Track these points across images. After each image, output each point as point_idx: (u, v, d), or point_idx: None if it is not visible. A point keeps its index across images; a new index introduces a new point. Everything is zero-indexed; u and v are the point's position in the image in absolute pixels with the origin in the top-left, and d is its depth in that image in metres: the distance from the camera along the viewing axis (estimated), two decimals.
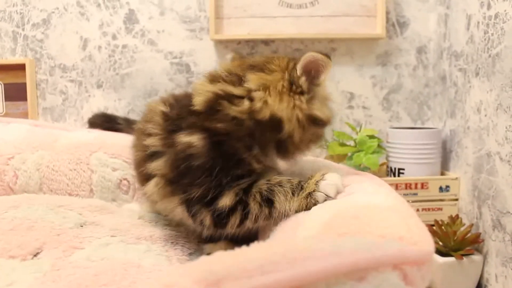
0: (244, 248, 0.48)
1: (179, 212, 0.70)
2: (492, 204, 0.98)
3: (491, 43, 0.98)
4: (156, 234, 0.83)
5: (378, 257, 0.42)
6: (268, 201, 0.61)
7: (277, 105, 0.64)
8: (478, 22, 1.03)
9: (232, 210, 0.62)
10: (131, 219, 0.94)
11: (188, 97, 0.69)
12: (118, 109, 1.30)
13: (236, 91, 0.66)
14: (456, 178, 1.12)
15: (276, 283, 0.37)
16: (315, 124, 0.67)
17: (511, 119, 0.91)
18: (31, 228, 0.79)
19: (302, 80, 0.65)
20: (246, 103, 0.65)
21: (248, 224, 0.62)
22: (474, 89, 1.06)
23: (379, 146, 1.14)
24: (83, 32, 1.30)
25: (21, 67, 1.30)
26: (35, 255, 0.72)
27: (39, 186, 1.10)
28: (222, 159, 0.63)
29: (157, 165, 0.69)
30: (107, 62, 1.30)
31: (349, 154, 1.15)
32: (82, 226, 0.82)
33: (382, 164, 1.18)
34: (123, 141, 1.13)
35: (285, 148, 0.68)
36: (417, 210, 1.12)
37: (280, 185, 0.62)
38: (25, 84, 1.30)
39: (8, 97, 1.32)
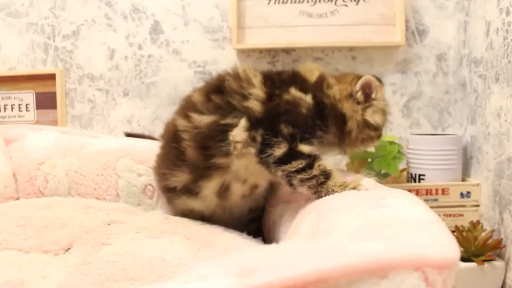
0: (274, 245, 0.50)
1: (251, 148, 0.81)
2: None
3: (511, 49, 0.99)
4: (179, 228, 0.86)
5: (401, 257, 0.44)
6: (325, 175, 0.76)
7: (344, 104, 0.86)
8: (497, 29, 1.04)
9: (302, 156, 0.77)
10: (156, 218, 0.97)
11: (283, 72, 0.92)
12: (144, 117, 1.35)
13: (330, 79, 0.90)
14: (477, 184, 1.13)
15: (300, 276, 0.39)
16: (368, 127, 0.88)
17: None
18: (62, 226, 0.83)
19: (359, 94, 0.87)
20: (335, 88, 0.87)
21: (302, 176, 0.76)
22: (494, 95, 1.07)
23: (399, 152, 1.15)
24: (110, 43, 1.35)
25: (51, 77, 1.35)
26: (66, 250, 0.76)
27: (67, 190, 1.15)
28: (317, 118, 0.83)
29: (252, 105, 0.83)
30: (133, 71, 1.34)
31: (370, 160, 1.16)
32: (109, 224, 0.85)
33: (402, 170, 1.19)
34: (148, 148, 1.17)
35: (344, 138, 0.88)
36: (438, 216, 1.12)
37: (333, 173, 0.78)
38: (55, 93, 1.36)
39: (39, 106, 1.38)
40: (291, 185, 0.78)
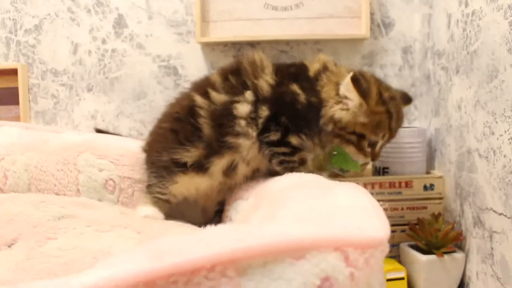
0: (198, 230, 0.50)
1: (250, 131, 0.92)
2: (473, 201, 0.98)
3: (469, 40, 0.98)
4: (132, 222, 0.85)
5: (319, 237, 0.44)
6: (301, 163, 0.93)
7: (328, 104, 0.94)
8: (458, 20, 1.04)
9: (290, 145, 0.92)
10: (112, 212, 0.96)
11: (292, 65, 1.00)
12: (108, 112, 1.33)
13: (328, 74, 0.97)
14: (441, 177, 1.12)
15: (208, 257, 0.39)
16: (334, 123, 0.94)
17: (488, 115, 0.91)
18: (10, 221, 0.82)
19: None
20: (325, 90, 0.94)
21: (284, 158, 0.92)
22: (455, 87, 1.06)
23: None
24: (74, 37, 1.33)
25: (13, 72, 1.33)
26: (9, 246, 0.74)
27: (27, 186, 1.13)
28: (307, 117, 0.91)
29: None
30: (97, 66, 1.32)
31: (334, 153, 1.15)
32: (59, 218, 0.84)
33: (365, 164, 1.18)
34: (110, 143, 1.15)
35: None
36: (402, 209, 1.12)
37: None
38: (17, 88, 1.33)
39: (1, 101, 1.35)
40: (271, 160, 0.93)
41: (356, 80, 0.88)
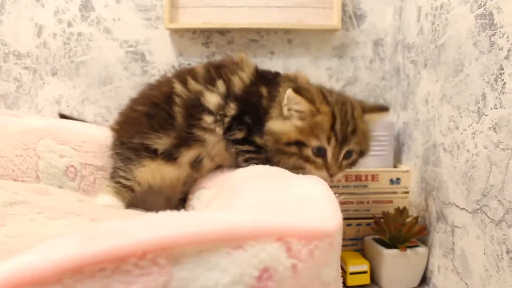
0: (142, 216, 0.47)
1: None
2: (437, 195, 0.98)
3: (437, 34, 0.98)
4: (87, 210, 0.82)
5: (258, 226, 0.42)
6: (265, 161, 0.89)
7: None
8: (427, 14, 1.03)
9: (254, 144, 0.90)
10: (68, 199, 0.93)
11: (272, 73, 0.99)
12: (73, 97, 1.29)
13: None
14: (407, 171, 1.12)
15: (138, 243, 0.36)
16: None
17: (453, 109, 0.90)
18: None
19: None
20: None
21: (249, 156, 0.91)
22: (423, 81, 1.06)
23: None
24: (38, 19, 1.28)
25: None
26: None
27: None
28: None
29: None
30: (62, 49, 1.28)
31: None
32: (11, 205, 0.80)
33: None
34: (71, 128, 1.11)
35: None
36: (367, 202, 1.12)
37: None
38: None
39: None
40: (237, 158, 0.92)
41: (298, 90, 0.83)
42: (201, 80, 0.94)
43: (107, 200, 0.95)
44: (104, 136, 1.08)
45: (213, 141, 0.92)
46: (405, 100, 1.17)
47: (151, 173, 0.95)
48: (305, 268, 0.43)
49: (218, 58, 1.25)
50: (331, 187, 0.66)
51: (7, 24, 1.29)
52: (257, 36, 1.27)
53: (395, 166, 1.18)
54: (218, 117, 0.91)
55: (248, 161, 0.91)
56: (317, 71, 1.27)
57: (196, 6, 1.23)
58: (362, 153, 0.90)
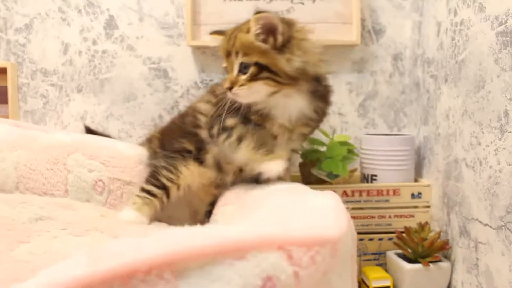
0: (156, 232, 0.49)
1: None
2: (459, 210, 0.98)
3: (458, 50, 0.98)
4: (110, 226, 0.84)
5: (258, 237, 0.43)
6: (239, 140, 0.89)
7: None
8: (447, 29, 1.04)
9: (227, 128, 0.92)
10: (91, 214, 0.95)
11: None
12: (97, 113, 1.32)
13: None
14: (428, 185, 1.12)
15: (147, 259, 0.38)
16: None
17: (475, 125, 0.91)
18: None
19: None
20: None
21: (227, 141, 0.91)
22: (443, 96, 1.06)
23: (351, 152, 1.14)
24: (64, 37, 1.32)
25: (3, 71, 1.32)
26: None
27: (16, 184, 1.12)
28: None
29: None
30: (87, 67, 1.32)
31: (321, 160, 1.15)
32: (37, 220, 0.83)
33: (353, 171, 1.18)
34: (100, 144, 1.14)
35: None
36: (389, 217, 1.12)
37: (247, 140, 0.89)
38: (6, 87, 1.32)
39: None
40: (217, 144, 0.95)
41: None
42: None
43: (131, 215, 0.97)
44: (131, 151, 1.11)
45: (213, 148, 0.98)
46: (426, 115, 1.17)
47: (191, 172, 0.99)
48: (307, 275, 0.44)
49: None
50: (349, 201, 0.67)
51: (35, 43, 1.33)
52: None
53: (416, 180, 1.18)
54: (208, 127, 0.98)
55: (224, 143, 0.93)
56: (337, 85, 1.28)
57: (216, 23, 1.26)
58: (264, 67, 0.85)
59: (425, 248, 1.01)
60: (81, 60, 1.32)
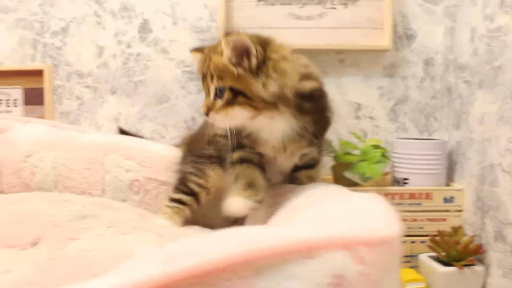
0: (211, 233, 0.51)
1: None
2: (494, 215, 0.99)
3: (494, 56, 0.99)
4: (153, 226, 0.86)
5: (327, 237, 0.45)
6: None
7: None
8: (482, 35, 1.05)
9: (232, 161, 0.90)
10: (132, 214, 0.97)
11: None
12: (131, 115, 1.35)
13: None
14: (461, 189, 1.13)
15: (226, 257, 0.40)
16: None
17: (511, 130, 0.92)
18: (30, 220, 0.83)
19: None
20: None
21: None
22: (478, 101, 1.07)
23: (383, 156, 1.15)
24: (99, 41, 1.35)
25: (39, 73, 1.35)
26: (33, 245, 0.75)
27: (54, 183, 1.15)
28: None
29: None
30: (122, 69, 1.34)
31: (354, 163, 1.16)
32: (81, 219, 0.85)
33: (386, 174, 1.19)
34: (136, 145, 1.17)
35: None
36: (421, 220, 1.13)
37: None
38: (42, 89, 1.35)
39: (27, 102, 1.38)
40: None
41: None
42: None
43: (164, 224, 0.97)
44: (166, 152, 1.14)
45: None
46: (458, 120, 1.18)
47: (219, 175, 0.97)
48: (371, 273, 0.46)
49: None
50: None
51: (71, 46, 1.36)
52: (309, 56, 1.30)
53: (447, 185, 1.19)
54: None
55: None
56: (368, 90, 1.29)
57: (250, 27, 1.28)
58: (239, 92, 0.80)
59: (459, 252, 1.02)
60: (115, 62, 1.35)
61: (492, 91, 1.00)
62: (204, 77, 0.84)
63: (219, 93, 0.80)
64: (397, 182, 1.19)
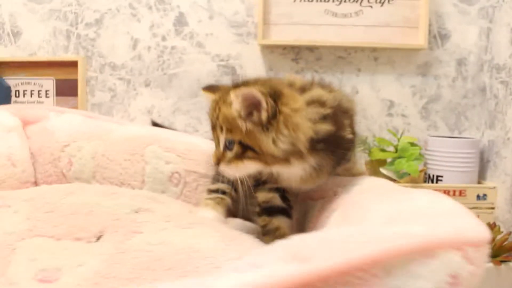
0: (319, 232, 0.52)
1: None
2: None
3: None
4: (205, 221, 0.87)
5: (445, 237, 0.46)
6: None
7: None
8: None
9: None
10: (181, 209, 0.98)
11: None
12: (164, 108, 1.36)
13: None
14: (494, 187, 1.16)
15: (359, 259, 0.41)
16: None
17: None
18: (90, 213, 0.83)
19: None
20: None
21: None
22: None
23: (419, 153, 1.17)
24: (134, 33, 1.35)
25: (72, 64, 1.35)
26: (98, 238, 0.76)
27: (92, 174, 1.15)
28: None
29: None
30: (156, 62, 1.35)
31: (389, 160, 1.18)
32: (137, 212, 0.85)
33: (422, 171, 1.21)
34: (175, 138, 1.18)
35: None
36: None
37: None
38: (75, 80, 1.36)
39: (58, 93, 1.38)
40: None
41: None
42: None
43: (209, 214, 0.98)
44: (206, 146, 1.14)
45: None
46: (492, 119, 1.21)
47: None
48: (478, 274, 0.48)
49: (307, 73, 1.31)
50: None
51: (104, 38, 1.36)
52: (344, 53, 1.32)
53: (479, 183, 1.22)
54: None
55: None
56: (401, 88, 1.31)
57: (286, 24, 1.29)
58: (247, 146, 0.75)
59: (495, 248, 1.05)
60: (149, 55, 1.35)
61: None
62: (213, 127, 0.80)
63: (228, 145, 0.77)
64: (430, 179, 1.22)
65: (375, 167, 1.19)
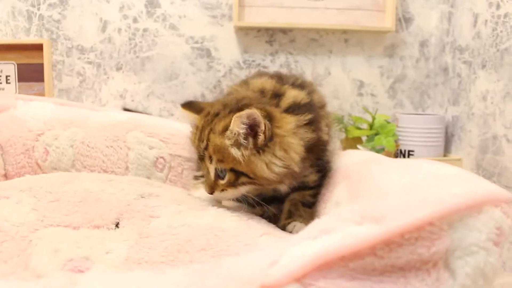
0: (376, 199, 0.56)
1: None
2: (498, 180, 1.12)
3: (500, 39, 1.11)
4: (217, 203, 0.88)
5: (485, 195, 0.52)
6: None
7: None
8: (486, 20, 1.16)
9: None
10: (182, 193, 0.98)
11: None
12: (138, 92, 1.33)
13: None
14: (459, 159, 1.26)
15: (429, 215, 0.46)
16: None
17: None
18: (99, 200, 0.80)
19: None
20: None
21: None
22: (479, 80, 1.19)
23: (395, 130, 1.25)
24: (103, 14, 1.30)
25: (36, 47, 1.28)
26: (116, 225, 0.75)
27: (72, 162, 1.10)
28: None
29: None
30: (127, 45, 1.31)
31: (365, 136, 1.24)
32: (143, 197, 0.84)
33: (397, 146, 1.29)
34: (156, 122, 1.16)
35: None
36: None
37: None
38: (39, 65, 1.29)
39: (21, 78, 1.30)
40: None
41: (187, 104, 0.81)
42: None
43: (204, 193, 0.99)
44: (187, 130, 1.14)
45: None
46: (456, 97, 1.30)
47: None
48: None
49: (281, 56, 1.33)
50: None
51: (71, 19, 1.30)
52: (316, 36, 1.36)
53: (444, 156, 1.32)
54: None
55: None
56: (370, 69, 1.38)
57: (261, 6, 1.30)
58: (240, 173, 0.73)
59: None
60: (120, 38, 1.31)
61: (498, 71, 1.12)
62: (201, 158, 0.76)
63: (220, 173, 0.74)
64: (402, 154, 1.30)
65: (351, 145, 1.25)
